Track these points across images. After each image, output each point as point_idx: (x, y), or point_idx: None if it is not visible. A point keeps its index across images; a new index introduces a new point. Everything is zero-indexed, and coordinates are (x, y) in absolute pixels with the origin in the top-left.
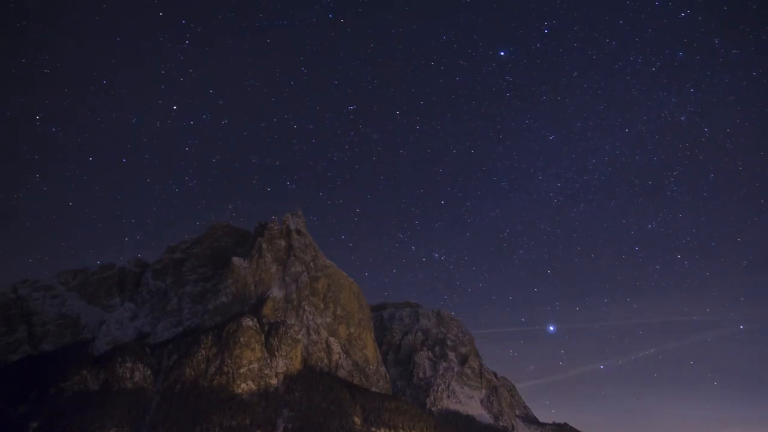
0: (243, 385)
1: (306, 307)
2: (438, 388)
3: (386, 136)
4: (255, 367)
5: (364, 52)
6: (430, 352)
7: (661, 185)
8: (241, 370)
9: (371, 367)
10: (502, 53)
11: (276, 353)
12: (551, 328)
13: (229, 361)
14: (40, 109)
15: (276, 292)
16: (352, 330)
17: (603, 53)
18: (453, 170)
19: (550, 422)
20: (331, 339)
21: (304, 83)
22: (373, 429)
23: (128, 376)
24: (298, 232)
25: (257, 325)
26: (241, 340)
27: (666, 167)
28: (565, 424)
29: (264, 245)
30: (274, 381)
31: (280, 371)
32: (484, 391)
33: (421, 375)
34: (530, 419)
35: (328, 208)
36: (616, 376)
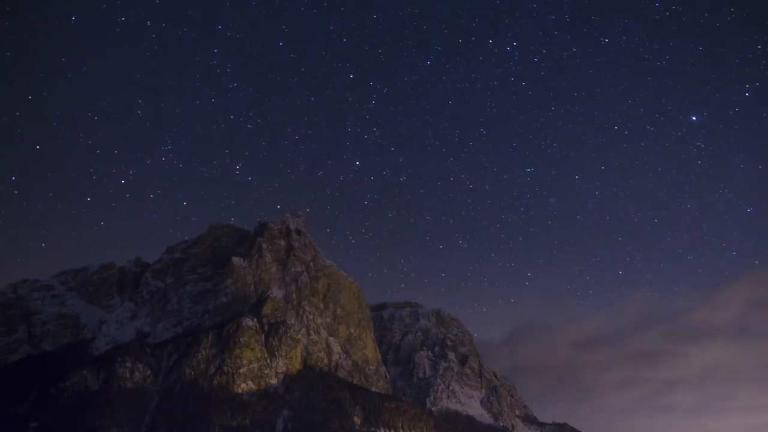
0: (243, 385)
1: (306, 307)
2: (438, 388)
3: (563, 201)
4: (255, 367)
5: (545, 115)
6: (430, 352)
7: None
8: (241, 370)
9: (371, 367)
10: (694, 118)
11: (276, 353)
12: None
13: (229, 361)
14: (240, 160)
15: (276, 292)
16: (352, 330)
17: None
18: (633, 239)
19: (550, 422)
20: (331, 339)
21: (483, 144)
22: (373, 429)
23: (128, 376)
24: (298, 232)
25: (257, 325)
26: (241, 340)
27: None
28: (565, 424)
29: (264, 245)
30: (274, 381)
31: (280, 371)
32: (484, 391)
33: (421, 375)
34: (530, 419)
35: (499, 270)
36: None
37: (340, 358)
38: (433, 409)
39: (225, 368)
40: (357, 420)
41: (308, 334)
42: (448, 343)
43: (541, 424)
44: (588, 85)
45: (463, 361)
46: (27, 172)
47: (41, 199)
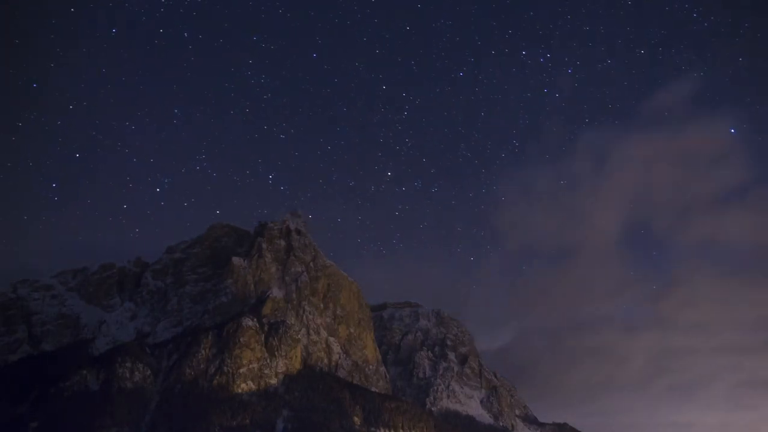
0: (243, 385)
1: (306, 307)
2: (438, 388)
3: (598, 213)
4: (255, 367)
5: (578, 127)
6: (429, 352)
7: None
8: (241, 370)
9: (371, 367)
10: (733, 131)
11: (276, 353)
12: None
13: (228, 361)
14: (273, 170)
15: (276, 292)
16: (352, 330)
17: None
18: (667, 254)
19: (550, 422)
20: (331, 339)
21: (515, 156)
22: (372, 429)
23: (128, 376)
24: (298, 232)
25: (257, 325)
26: (241, 340)
27: None
28: (565, 424)
29: (264, 245)
30: (273, 381)
31: (280, 371)
32: (483, 391)
33: (420, 375)
34: (530, 419)
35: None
36: None
37: (340, 358)
38: (433, 409)
39: (225, 368)
40: (357, 420)
41: (308, 334)
42: (448, 343)
43: (541, 424)
44: (622, 96)
45: (463, 361)
46: (66, 179)
47: (79, 206)
